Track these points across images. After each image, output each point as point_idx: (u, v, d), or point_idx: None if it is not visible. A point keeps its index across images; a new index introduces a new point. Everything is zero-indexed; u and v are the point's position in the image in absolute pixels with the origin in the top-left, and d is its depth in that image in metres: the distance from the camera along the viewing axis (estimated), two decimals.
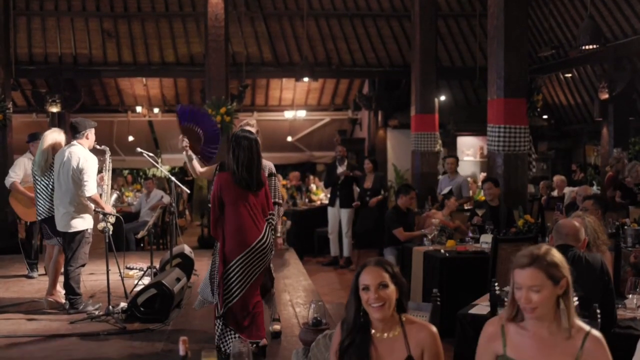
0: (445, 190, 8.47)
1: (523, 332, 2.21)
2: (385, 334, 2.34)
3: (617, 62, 11.27)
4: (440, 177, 9.66)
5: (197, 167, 4.61)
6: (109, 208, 5.55)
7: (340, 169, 8.95)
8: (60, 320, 5.04)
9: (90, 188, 5.19)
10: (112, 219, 5.57)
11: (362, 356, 2.31)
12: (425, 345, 2.31)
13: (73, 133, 5.38)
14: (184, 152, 4.59)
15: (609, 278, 3.38)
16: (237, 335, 3.98)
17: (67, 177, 5.21)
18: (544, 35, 13.07)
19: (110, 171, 5.84)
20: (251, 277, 3.99)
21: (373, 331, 2.35)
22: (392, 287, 2.30)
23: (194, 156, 4.60)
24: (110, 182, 5.83)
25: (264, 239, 4.02)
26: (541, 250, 2.21)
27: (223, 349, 4.01)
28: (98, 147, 5.63)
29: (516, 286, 2.19)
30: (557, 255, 2.20)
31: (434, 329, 2.36)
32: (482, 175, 11.64)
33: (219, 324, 4.05)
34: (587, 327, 2.19)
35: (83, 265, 5.38)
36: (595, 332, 2.18)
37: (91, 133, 5.41)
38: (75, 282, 5.22)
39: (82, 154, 5.23)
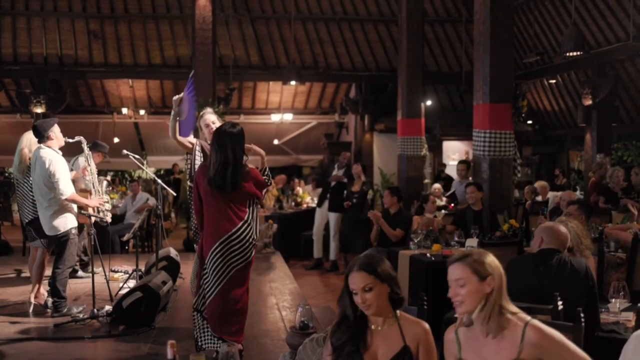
0: (447, 194, 8.58)
1: (471, 335, 2.30)
2: (380, 327, 2.43)
3: (600, 69, 11.45)
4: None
5: (177, 129, 4.61)
6: (94, 202, 5.47)
7: (338, 174, 9.01)
8: (44, 323, 4.99)
9: (65, 190, 5.08)
10: (107, 207, 5.46)
11: (359, 345, 2.40)
12: (421, 340, 2.41)
13: (37, 138, 5.25)
14: (174, 105, 4.55)
15: (593, 283, 3.43)
16: (210, 330, 3.94)
17: (39, 181, 5.13)
18: (529, 42, 13.23)
19: (92, 160, 5.68)
20: (226, 272, 3.87)
21: (369, 323, 2.44)
22: (378, 287, 2.36)
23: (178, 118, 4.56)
24: (95, 170, 5.66)
25: (239, 232, 3.86)
26: (472, 251, 2.32)
27: (199, 344, 3.99)
28: (70, 140, 5.44)
29: (448, 285, 2.28)
30: (487, 257, 2.28)
31: (427, 326, 2.46)
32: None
33: (197, 317, 4.02)
34: (527, 318, 2.23)
35: (70, 267, 5.32)
36: (534, 321, 2.21)
37: (54, 131, 5.23)
38: (61, 285, 5.17)
39: (48, 157, 5.08)
